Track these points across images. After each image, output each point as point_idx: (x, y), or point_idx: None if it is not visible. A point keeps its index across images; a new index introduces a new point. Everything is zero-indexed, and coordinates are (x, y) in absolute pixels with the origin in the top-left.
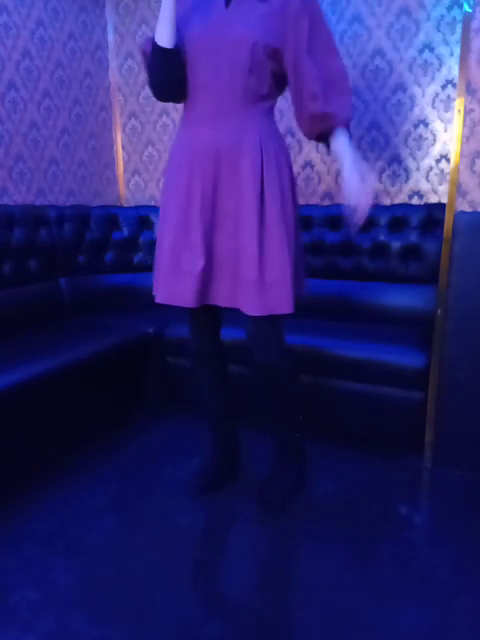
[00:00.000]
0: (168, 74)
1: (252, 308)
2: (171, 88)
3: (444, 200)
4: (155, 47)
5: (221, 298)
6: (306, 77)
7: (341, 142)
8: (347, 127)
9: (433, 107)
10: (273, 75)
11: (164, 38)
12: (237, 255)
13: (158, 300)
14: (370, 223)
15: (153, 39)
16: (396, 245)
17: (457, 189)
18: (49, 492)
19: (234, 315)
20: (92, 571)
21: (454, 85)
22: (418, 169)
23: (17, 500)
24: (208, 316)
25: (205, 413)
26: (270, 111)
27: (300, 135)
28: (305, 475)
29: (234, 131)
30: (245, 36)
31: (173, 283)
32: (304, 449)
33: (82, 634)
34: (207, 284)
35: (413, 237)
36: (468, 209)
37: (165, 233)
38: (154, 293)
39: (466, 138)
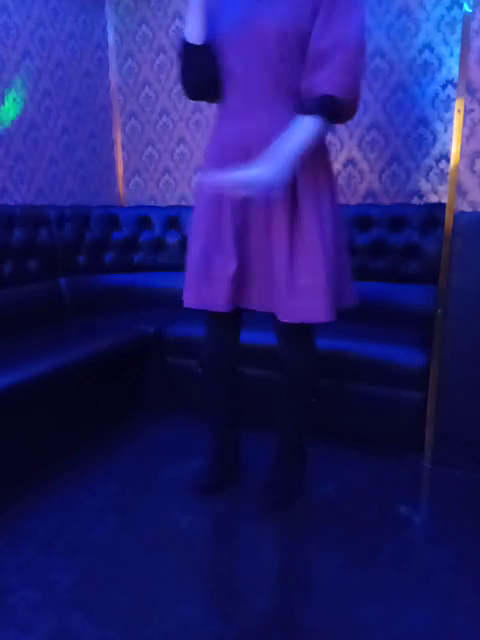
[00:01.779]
0: (198, 71)
1: (283, 314)
2: (202, 85)
3: (444, 200)
4: (185, 44)
5: (255, 302)
6: (308, 50)
7: (298, 122)
8: (323, 108)
9: (433, 107)
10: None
11: (193, 34)
12: (271, 257)
13: (187, 304)
14: (370, 223)
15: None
16: (396, 245)
17: (457, 189)
18: (49, 492)
19: (253, 318)
20: (92, 571)
21: (454, 85)
22: (418, 169)
23: (17, 500)
24: (232, 321)
25: (211, 413)
26: None
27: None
28: (305, 476)
29: (266, 125)
30: (273, 25)
31: (204, 287)
32: (306, 450)
33: (82, 634)
34: (240, 288)
35: (413, 237)
36: (468, 209)
37: (197, 235)
38: (184, 297)
39: (466, 138)
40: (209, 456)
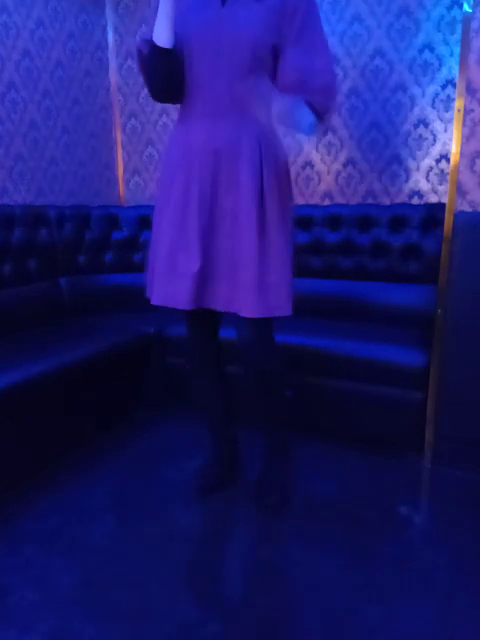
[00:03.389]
0: (167, 75)
1: (251, 310)
2: (170, 89)
3: (444, 200)
4: (154, 48)
5: (218, 302)
6: (286, 67)
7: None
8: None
9: (433, 107)
10: (273, 74)
11: (163, 38)
12: (235, 256)
13: (153, 301)
14: (370, 223)
15: (150, 40)
16: (396, 245)
17: (457, 189)
18: (49, 492)
19: (232, 316)
20: (92, 571)
21: (454, 85)
22: (418, 169)
23: (17, 500)
24: (205, 318)
25: (205, 413)
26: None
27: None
28: (291, 474)
29: (233, 131)
30: (243, 36)
31: (168, 284)
32: (290, 447)
33: (82, 634)
34: (204, 286)
35: (413, 237)
36: (468, 209)
37: (161, 233)
38: (148, 294)
39: (466, 138)
40: (208, 456)
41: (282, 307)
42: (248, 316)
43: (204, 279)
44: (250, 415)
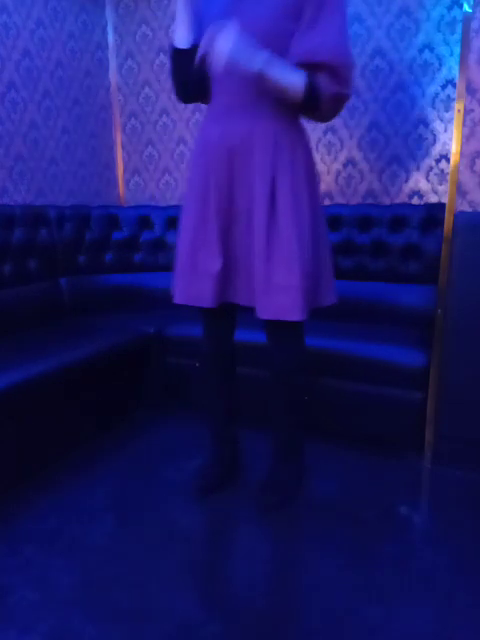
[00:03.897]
0: (187, 74)
1: (260, 311)
2: (193, 88)
3: (444, 200)
4: (172, 49)
5: (240, 296)
6: (291, 48)
7: (294, 69)
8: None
9: (433, 107)
10: None
11: (179, 38)
12: (252, 254)
13: (176, 300)
14: (370, 223)
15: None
16: (396, 245)
17: (457, 189)
18: (49, 492)
19: (249, 317)
20: (92, 571)
21: (454, 85)
22: (418, 169)
23: (17, 500)
24: (224, 317)
25: (208, 413)
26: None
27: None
28: (302, 476)
29: (247, 128)
30: (254, 25)
31: (191, 283)
32: (303, 449)
33: (82, 634)
34: (226, 283)
35: (413, 237)
36: (468, 209)
37: (184, 231)
38: (173, 293)
39: (466, 138)
40: (208, 456)
41: (289, 311)
42: (259, 317)
43: (226, 277)
44: (257, 414)
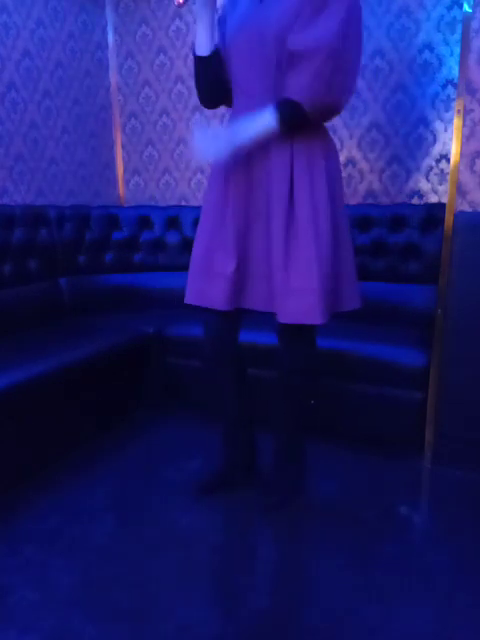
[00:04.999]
0: (209, 80)
1: (280, 315)
2: (214, 93)
3: (444, 200)
4: (194, 57)
5: (256, 301)
6: (288, 41)
7: (260, 113)
8: (284, 112)
9: (433, 107)
10: None
11: (200, 46)
12: (269, 257)
13: (188, 300)
14: (370, 223)
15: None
16: (396, 245)
17: (457, 189)
18: (49, 492)
19: (253, 318)
20: (92, 571)
21: (454, 85)
22: (418, 169)
23: (17, 500)
24: (230, 321)
25: (221, 415)
26: None
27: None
28: (304, 477)
29: None
30: (270, 29)
31: (204, 284)
32: (305, 451)
33: (82, 634)
34: (240, 287)
35: (413, 237)
36: (468, 209)
37: (202, 233)
38: (186, 293)
39: (466, 138)
40: (219, 456)
41: (309, 315)
42: (279, 321)
43: (241, 280)
44: (260, 415)
